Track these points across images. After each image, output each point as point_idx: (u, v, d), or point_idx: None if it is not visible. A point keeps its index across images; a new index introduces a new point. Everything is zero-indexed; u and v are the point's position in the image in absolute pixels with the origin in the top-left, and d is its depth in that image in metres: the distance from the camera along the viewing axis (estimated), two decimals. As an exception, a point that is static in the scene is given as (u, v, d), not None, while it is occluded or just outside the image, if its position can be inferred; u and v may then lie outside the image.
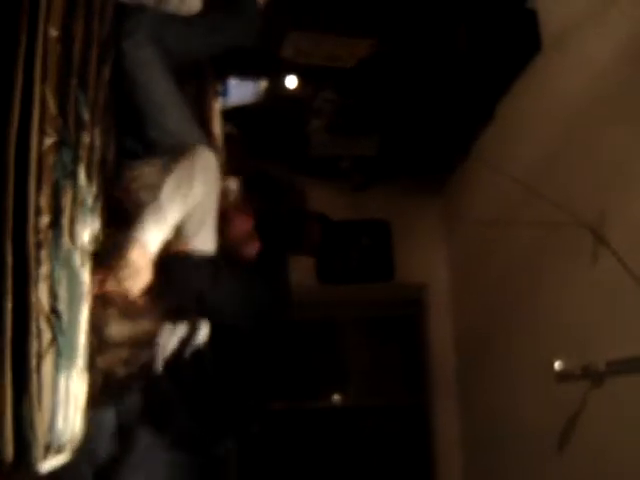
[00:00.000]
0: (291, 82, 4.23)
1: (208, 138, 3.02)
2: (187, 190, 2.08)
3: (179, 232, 2.17)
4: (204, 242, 2.34)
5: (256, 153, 4.85)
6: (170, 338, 2.06)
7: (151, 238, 2.00)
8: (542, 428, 3.39)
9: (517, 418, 3.81)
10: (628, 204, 2.67)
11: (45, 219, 1.58)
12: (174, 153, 2.58)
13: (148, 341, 2.12)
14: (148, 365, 2.13)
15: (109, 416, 2.01)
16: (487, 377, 4.41)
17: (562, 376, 3.05)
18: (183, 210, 2.05)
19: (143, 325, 2.12)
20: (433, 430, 5.04)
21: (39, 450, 1.54)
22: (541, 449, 3.39)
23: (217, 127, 3.80)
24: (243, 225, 3.23)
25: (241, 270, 2.11)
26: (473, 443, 4.80)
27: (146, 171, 2.21)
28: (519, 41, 3.63)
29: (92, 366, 1.96)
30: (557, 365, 3.02)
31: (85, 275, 1.86)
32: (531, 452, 3.57)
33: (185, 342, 2.06)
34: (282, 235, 3.27)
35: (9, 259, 1.51)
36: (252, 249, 3.59)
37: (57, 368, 1.60)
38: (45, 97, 1.60)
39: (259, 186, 3.04)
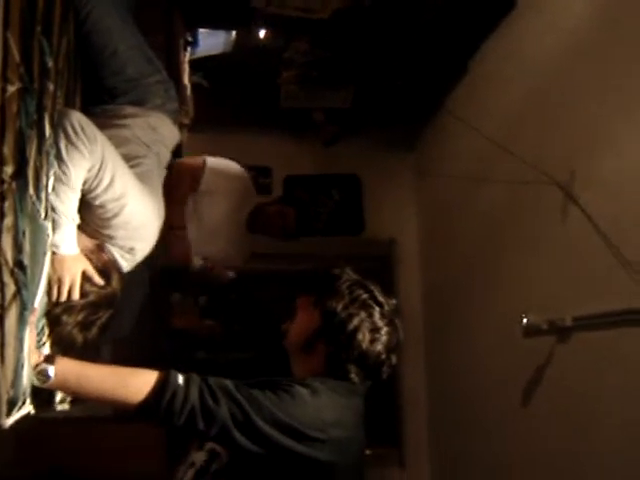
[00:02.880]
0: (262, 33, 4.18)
1: (177, 88, 2.97)
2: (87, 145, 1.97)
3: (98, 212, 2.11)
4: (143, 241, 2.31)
5: (226, 104, 4.80)
6: (187, 471, 2.03)
7: (61, 239, 1.96)
8: (508, 382, 3.44)
9: (483, 372, 3.86)
10: (598, 163, 2.68)
11: (9, 169, 1.54)
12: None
13: (108, 302, 2.11)
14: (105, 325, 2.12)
15: None
16: (454, 332, 4.45)
17: (529, 331, 3.09)
18: (86, 167, 1.96)
19: (106, 290, 2.11)
20: (399, 383, 5.10)
21: (2, 407, 1.52)
22: (507, 403, 3.44)
23: (186, 77, 3.75)
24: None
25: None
26: (439, 396, 4.86)
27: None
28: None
29: (58, 323, 1.95)
30: (524, 320, 3.06)
31: (49, 228, 1.83)
32: (497, 406, 3.63)
33: (202, 472, 2.01)
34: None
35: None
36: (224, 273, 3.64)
37: (21, 322, 1.58)
38: (8, 44, 1.55)
39: None
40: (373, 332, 2.04)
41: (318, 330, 2.08)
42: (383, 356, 2.05)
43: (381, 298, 2.12)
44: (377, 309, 2.08)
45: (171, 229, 2.94)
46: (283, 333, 2.19)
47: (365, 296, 2.09)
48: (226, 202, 3.33)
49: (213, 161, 3.30)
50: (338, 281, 2.13)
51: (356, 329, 2.02)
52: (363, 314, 2.05)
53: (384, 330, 2.06)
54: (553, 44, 3.07)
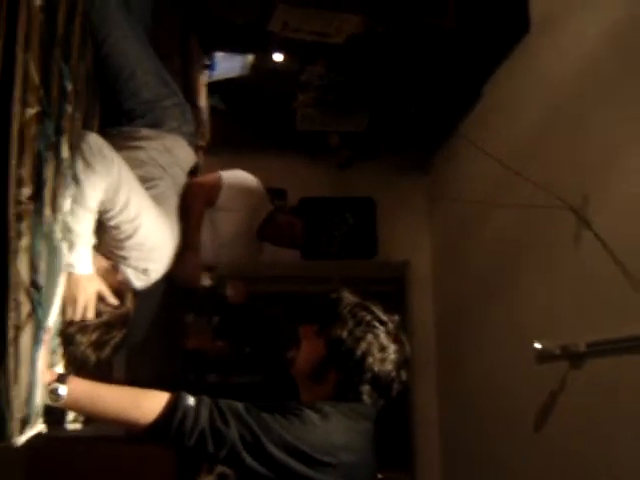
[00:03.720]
0: (278, 56, 4.21)
1: (194, 111, 3.00)
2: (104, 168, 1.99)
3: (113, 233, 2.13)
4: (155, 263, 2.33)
5: (242, 126, 4.84)
6: None
7: (76, 259, 1.98)
8: (521, 408, 3.42)
9: (496, 398, 3.84)
10: (612, 187, 2.68)
11: (27, 190, 1.56)
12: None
13: (121, 322, 2.13)
14: (119, 345, 2.14)
15: None
16: (467, 356, 4.43)
17: (542, 356, 3.07)
18: (103, 188, 1.98)
19: (120, 310, 2.13)
20: (412, 408, 5.08)
21: (15, 425, 1.54)
22: (520, 428, 3.42)
23: (203, 100, 3.78)
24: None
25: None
26: (451, 422, 4.83)
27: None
28: (508, 21, 3.62)
29: (71, 343, 1.97)
30: (537, 345, 3.05)
31: (65, 249, 1.85)
32: (510, 431, 3.61)
33: None
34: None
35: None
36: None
37: (35, 341, 1.60)
38: (28, 67, 1.57)
39: None
40: (382, 352, 2.04)
41: (325, 359, 2.08)
42: (394, 374, 2.06)
43: (384, 317, 2.12)
44: (382, 329, 2.08)
45: (185, 249, 2.94)
46: (289, 361, 2.19)
47: (368, 318, 2.09)
48: (243, 217, 3.34)
49: (229, 177, 3.27)
50: (339, 306, 2.13)
51: (365, 353, 2.03)
52: (369, 337, 2.05)
53: (392, 348, 2.07)
54: (566, 69, 3.08)
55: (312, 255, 3.61)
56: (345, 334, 2.05)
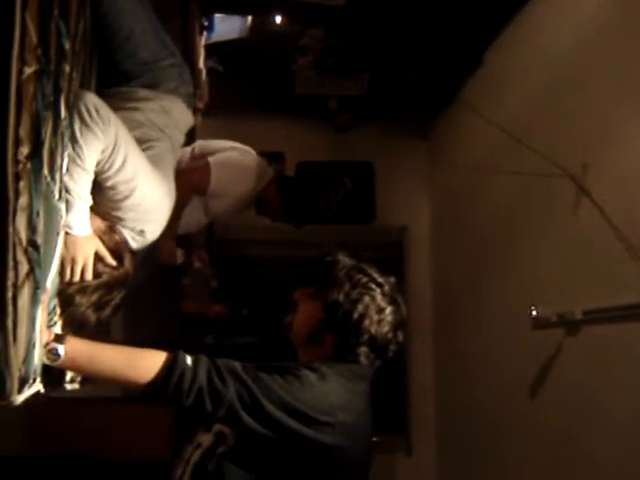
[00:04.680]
0: (278, 19, 4.17)
1: (192, 72, 2.97)
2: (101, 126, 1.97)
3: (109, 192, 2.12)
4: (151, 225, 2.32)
5: (240, 89, 4.81)
6: (194, 452, 2.04)
7: (74, 219, 1.97)
8: (516, 373, 3.45)
9: (492, 362, 3.86)
10: (611, 156, 2.67)
11: (25, 150, 1.54)
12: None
13: (120, 282, 2.13)
14: (119, 306, 2.14)
15: None
16: (464, 321, 4.46)
17: (538, 323, 3.09)
18: (100, 148, 1.97)
19: (119, 270, 2.13)
20: (408, 373, 5.12)
21: (13, 384, 1.54)
22: (514, 394, 3.45)
23: (201, 62, 3.75)
24: None
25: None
26: (447, 385, 4.87)
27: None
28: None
29: (71, 304, 1.97)
30: (533, 312, 3.06)
31: (63, 209, 1.84)
32: (504, 397, 3.64)
33: (209, 454, 2.01)
34: None
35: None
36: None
37: (34, 301, 1.60)
38: (26, 25, 1.55)
39: None
40: (379, 314, 2.04)
41: (322, 322, 2.08)
42: (390, 335, 2.06)
43: (380, 279, 2.11)
44: (378, 290, 2.08)
45: (162, 236, 2.97)
46: (286, 326, 2.20)
47: (365, 280, 2.08)
48: (236, 200, 3.34)
49: (218, 164, 3.22)
50: (334, 269, 2.12)
51: (362, 315, 2.03)
52: (366, 299, 2.05)
53: (388, 309, 2.07)
54: (569, 36, 3.06)
55: (309, 219, 3.58)
56: (342, 297, 2.05)
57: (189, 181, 3.09)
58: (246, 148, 3.48)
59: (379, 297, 2.07)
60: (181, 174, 2.96)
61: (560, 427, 2.98)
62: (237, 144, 3.49)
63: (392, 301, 2.10)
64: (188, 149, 3.34)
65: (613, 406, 2.59)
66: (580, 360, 2.84)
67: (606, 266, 2.66)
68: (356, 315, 2.03)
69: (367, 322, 2.03)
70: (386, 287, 2.10)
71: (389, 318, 2.06)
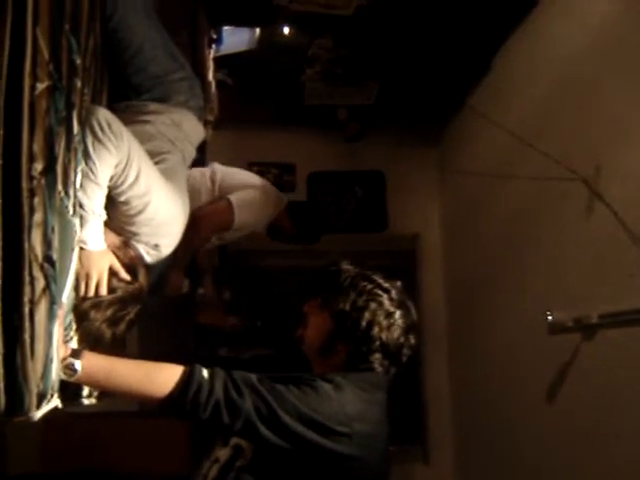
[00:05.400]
0: (286, 30, 4.18)
1: (202, 85, 2.98)
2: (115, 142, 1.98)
3: (124, 211, 2.13)
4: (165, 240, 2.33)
5: (250, 101, 4.82)
6: (212, 467, 2.04)
7: (88, 235, 1.98)
8: (533, 379, 3.43)
9: (508, 369, 3.84)
10: (623, 158, 2.66)
11: (39, 166, 1.55)
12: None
13: (135, 297, 2.13)
14: (133, 321, 2.14)
15: None
16: (478, 328, 4.44)
17: (554, 328, 3.08)
18: (113, 163, 1.97)
19: (134, 285, 2.13)
20: (424, 382, 5.10)
21: (32, 399, 1.54)
22: (531, 400, 3.43)
23: (210, 74, 3.77)
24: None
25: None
26: (463, 393, 4.85)
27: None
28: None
29: (86, 319, 1.97)
30: (549, 317, 3.05)
31: (77, 224, 1.84)
32: (521, 402, 3.62)
33: (227, 468, 2.01)
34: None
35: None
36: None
37: (50, 316, 1.60)
38: (37, 41, 1.56)
39: None
40: (388, 319, 2.04)
41: (333, 332, 2.08)
42: (402, 339, 2.06)
43: (386, 284, 2.11)
44: (385, 296, 2.08)
45: (174, 269, 3.07)
46: (298, 340, 2.20)
47: (369, 287, 2.09)
48: (251, 230, 3.45)
49: (240, 203, 3.28)
50: (339, 278, 2.13)
51: (371, 322, 2.03)
52: (373, 305, 2.05)
53: (397, 314, 2.07)
54: (576, 39, 3.05)
55: (316, 241, 3.65)
56: (348, 306, 2.06)
57: (213, 223, 3.22)
58: (263, 182, 3.55)
59: (387, 302, 2.07)
60: (203, 215, 3.03)
61: (579, 432, 2.96)
62: (255, 178, 3.59)
63: (400, 305, 2.10)
64: (206, 174, 3.39)
65: (631, 410, 2.57)
66: (597, 364, 2.82)
67: (621, 269, 2.65)
68: (364, 322, 2.03)
69: (376, 328, 2.03)
70: (393, 292, 2.10)
71: (399, 322, 2.06)
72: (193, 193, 2.83)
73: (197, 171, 3.27)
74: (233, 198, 3.28)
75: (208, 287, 3.79)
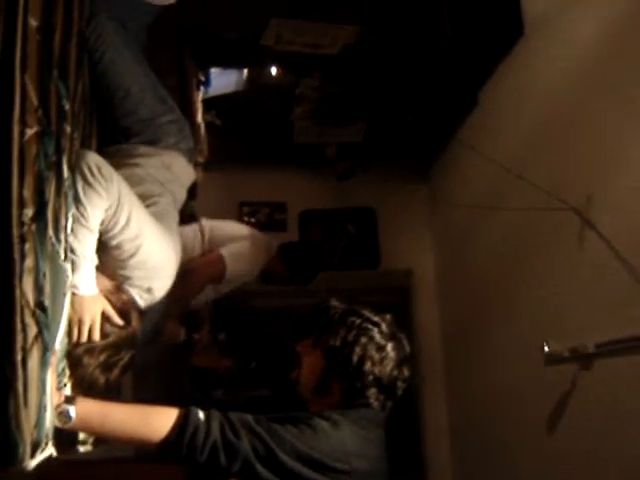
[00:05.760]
0: (273, 70, 4.21)
1: (191, 127, 2.99)
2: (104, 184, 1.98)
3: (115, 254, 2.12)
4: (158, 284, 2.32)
5: (240, 142, 4.84)
6: None
7: (80, 279, 1.97)
8: (531, 410, 3.40)
9: (506, 402, 3.82)
10: (614, 187, 2.67)
11: (29, 211, 1.55)
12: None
13: (128, 342, 2.12)
14: (127, 366, 2.13)
15: None
16: (475, 362, 4.42)
17: (550, 359, 3.06)
18: (104, 207, 1.97)
19: (127, 330, 2.12)
20: (422, 415, 5.06)
21: (26, 449, 1.52)
22: (531, 431, 3.40)
23: (199, 116, 3.78)
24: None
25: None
26: (462, 429, 4.81)
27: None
28: (502, 26, 3.62)
29: (79, 365, 1.95)
30: (545, 348, 3.03)
31: (68, 269, 1.84)
32: (521, 434, 3.59)
33: None
34: None
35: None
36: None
37: (43, 364, 1.58)
38: (26, 87, 1.57)
39: None
40: (379, 352, 2.04)
41: (325, 370, 2.08)
42: (395, 372, 2.05)
43: (375, 318, 2.11)
44: (375, 329, 2.08)
45: (167, 318, 3.08)
46: (294, 381, 2.19)
47: (359, 321, 2.09)
48: (244, 281, 3.50)
49: (231, 256, 3.32)
50: (327, 315, 2.13)
51: (362, 357, 2.03)
52: (363, 340, 2.05)
53: (389, 346, 2.06)
54: (563, 70, 3.07)
55: (310, 281, 3.67)
56: (338, 342, 2.06)
57: (204, 275, 3.24)
58: (252, 232, 3.59)
59: (377, 336, 2.07)
60: (195, 268, 3.06)
61: (579, 462, 2.93)
62: (243, 228, 3.63)
63: (392, 337, 2.09)
64: (197, 230, 3.43)
65: (631, 438, 2.55)
66: (595, 393, 2.80)
67: (616, 298, 2.64)
68: (356, 357, 2.03)
69: (369, 363, 2.03)
70: (383, 325, 2.10)
71: (391, 355, 2.06)
72: (186, 249, 2.85)
73: (189, 228, 3.31)
74: (224, 250, 3.32)
75: (204, 333, 3.78)
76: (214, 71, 4.13)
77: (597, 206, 2.76)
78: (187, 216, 3.27)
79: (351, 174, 5.18)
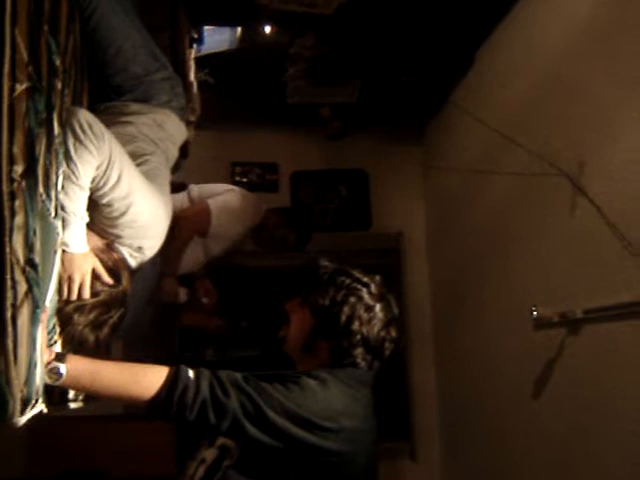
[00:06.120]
0: (267, 29, 4.17)
1: (184, 85, 2.97)
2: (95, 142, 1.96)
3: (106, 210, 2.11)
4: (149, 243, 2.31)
5: (232, 101, 4.80)
6: (199, 468, 2.03)
7: (71, 237, 1.96)
8: (518, 374, 3.43)
9: (494, 365, 3.85)
10: (606, 153, 2.67)
11: (19, 168, 1.53)
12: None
13: (118, 301, 2.12)
14: (117, 324, 2.13)
15: None
16: (464, 325, 4.44)
17: (539, 323, 3.08)
18: (94, 165, 1.96)
19: (117, 289, 2.11)
20: (410, 379, 5.10)
21: (16, 405, 1.52)
22: (517, 395, 3.43)
23: (192, 75, 3.75)
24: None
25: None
26: (449, 390, 4.86)
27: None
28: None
29: (69, 322, 1.95)
30: (534, 312, 3.05)
31: (59, 227, 1.83)
32: (508, 398, 3.62)
33: (214, 468, 1.98)
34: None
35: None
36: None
37: (33, 321, 1.58)
38: (16, 42, 1.55)
39: None
40: (367, 312, 2.06)
41: (314, 328, 2.09)
42: (383, 332, 2.07)
43: (365, 279, 2.12)
44: (364, 290, 2.09)
45: (164, 276, 3.08)
46: (282, 340, 2.20)
47: (348, 281, 2.10)
48: (233, 240, 3.46)
49: (218, 207, 3.32)
50: (317, 275, 2.14)
51: (350, 316, 2.04)
52: (352, 299, 2.06)
53: (377, 307, 2.08)
54: (560, 34, 3.05)
55: (304, 247, 3.69)
56: (327, 301, 2.07)
57: (190, 223, 3.21)
58: (242, 190, 3.58)
59: (366, 296, 2.08)
60: (181, 217, 3.04)
61: (565, 427, 2.97)
62: (232, 187, 3.61)
63: (380, 299, 2.10)
64: (184, 193, 3.41)
65: (618, 404, 2.57)
66: (583, 359, 2.83)
67: (605, 264, 2.65)
68: (344, 317, 2.04)
69: (357, 322, 2.04)
70: (372, 286, 2.11)
71: (379, 315, 2.07)
72: (175, 212, 2.84)
73: (177, 196, 3.29)
74: (210, 200, 3.33)
75: (210, 295, 3.76)
76: (207, 29, 4.08)
77: (589, 173, 2.76)
78: (177, 184, 3.25)
79: (344, 135, 5.16)
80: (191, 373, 1.82)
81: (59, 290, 1.92)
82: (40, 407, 1.68)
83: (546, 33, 3.19)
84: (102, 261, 2.10)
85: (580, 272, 2.85)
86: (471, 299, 4.26)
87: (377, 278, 2.16)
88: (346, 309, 2.04)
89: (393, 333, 2.10)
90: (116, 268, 2.14)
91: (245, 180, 5.12)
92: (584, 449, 2.81)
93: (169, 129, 2.65)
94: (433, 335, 5.11)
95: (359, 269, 2.16)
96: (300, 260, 4.41)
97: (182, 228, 3.07)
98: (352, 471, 1.97)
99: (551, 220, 3.09)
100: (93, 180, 1.97)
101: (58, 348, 1.89)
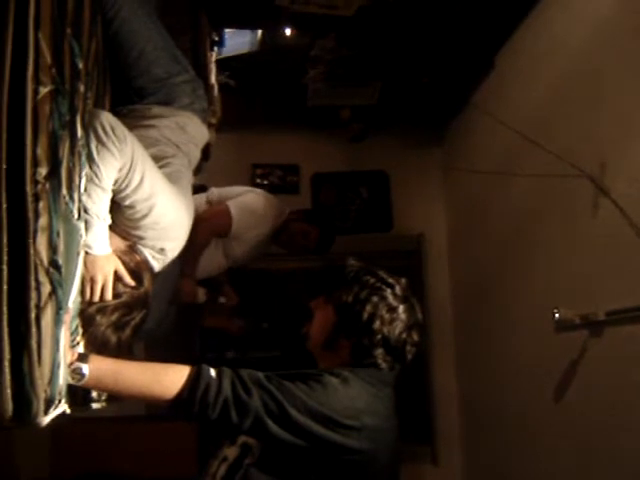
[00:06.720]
0: (288, 31, 4.18)
1: (205, 88, 2.98)
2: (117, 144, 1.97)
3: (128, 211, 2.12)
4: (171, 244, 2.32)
5: (253, 103, 4.82)
6: (220, 466, 2.04)
7: (93, 239, 1.97)
8: (541, 377, 3.42)
9: (515, 367, 3.83)
10: (628, 154, 2.65)
11: (43, 170, 1.55)
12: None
13: (141, 302, 2.12)
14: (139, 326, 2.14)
15: None
16: (485, 327, 4.43)
17: (561, 325, 3.06)
18: (117, 167, 1.97)
19: (139, 290, 2.12)
20: (431, 381, 5.09)
21: (39, 405, 1.53)
22: (540, 398, 3.41)
23: (213, 77, 3.76)
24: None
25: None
26: (471, 394, 4.84)
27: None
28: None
29: (91, 324, 1.96)
30: (556, 314, 3.03)
31: (82, 229, 1.84)
32: (530, 401, 3.61)
33: (235, 466, 1.99)
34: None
35: (4, 212, 1.49)
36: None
37: (57, 321, 1.59)
38: (39, 45, 1.56)
39: None
40: (390, 313, 2.06)
41: (336, 325, 2.10)
42: (404, 334, 2.06)
43: (390, 279, 2.12)
44: (388, 290, 2.09)
45: (182, 276, 3.06)
46: (304, 336, 2.20)
47: (373, 280, 2.10)
48: (255, 242, 3.43)
49: (238, 208, 3.32)
50: (343, 272, 2.15)
51: (372, 315, 2.04)
52: (375, 298, 2.06)
53: (400, 308, 2.08)
54: (580, 35, 3.04)
55: (322, 250, 3.67)
56: (351, 298, 2.08)
57: (210, 224, 3.22)
58: (263, 191, 3.59)
59: (390, 297, 2.08)
60: (202, 218, 3.04)
61: (588, 429, 2.95)
62: (252, 188, 3.63)
63: (404, 301, 2.10)
64: (203, 196, 3.42)
65: (639, 406, 2.56)
66: (605, 361, 2.81)
67: (628, 265, 2.63)
68: (365, 315, 2.05)
69: (378, 322, 2.04)
70: (397, 287, 2.11)
71: (402, 317, 2.07)
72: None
73: (197, 196, 3.30)
74: (230, 202, 3.32)
75: (229, 297, 3.77)
76: (228, 31, 4.10)
77: (611, 173, 2.74)
78: (197, 186, 3.26)
79: (364, 137, 5.16)
80: (213, 372, 1.83)
81: (82, 291, 1.93)
82: (63, 407, 1.69)
83: (566, 34, 3.18)
84: (124, 263, 2.11)
85: (602, 274, 2.83)
86: (493, 301, 4.24)
87: (403, 280, 2.16)
88: (368, 307, 2.05)
89: (415, 337, 2.10)
90: (138, 270, 2.15)
91: (266, 182, 5.13)
92: (606, 448, 2.79)
93: (191, 132, 2.66)
94: (454, 337, 5.10)
95: (385, 270, 2.16)
96: (322, 262, 4.42)
97: (202, 228, 3.07)
98: (374, 469, 1.97)
99: (573, 221, 3.08)
100: (115, 182, 1.98)
101: (81, 349, 1.91)
